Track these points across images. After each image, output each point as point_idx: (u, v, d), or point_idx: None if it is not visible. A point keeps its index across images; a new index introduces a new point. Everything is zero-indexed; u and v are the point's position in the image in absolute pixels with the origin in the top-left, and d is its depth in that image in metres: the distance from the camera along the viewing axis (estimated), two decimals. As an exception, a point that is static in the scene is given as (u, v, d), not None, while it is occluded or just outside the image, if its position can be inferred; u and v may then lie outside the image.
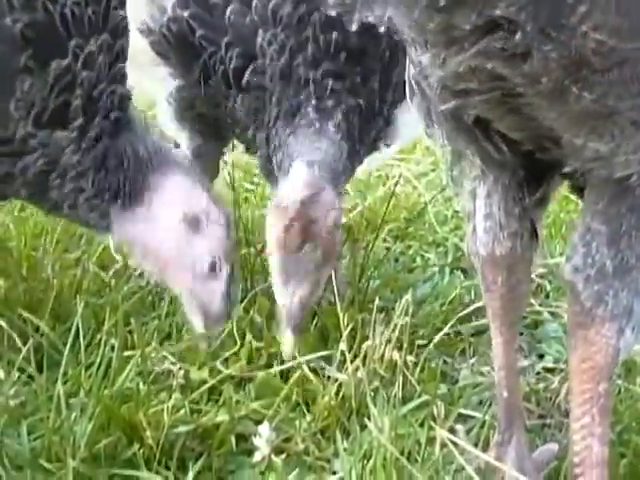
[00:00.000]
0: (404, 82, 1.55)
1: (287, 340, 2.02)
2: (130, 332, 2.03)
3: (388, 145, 2.32)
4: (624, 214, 1.40)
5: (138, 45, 2.19)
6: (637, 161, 1.33)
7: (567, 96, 1.23)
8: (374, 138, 2.22)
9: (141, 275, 2.41)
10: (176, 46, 2.19)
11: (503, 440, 1.67)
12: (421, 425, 1.78)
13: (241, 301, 2.27)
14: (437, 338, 2.11)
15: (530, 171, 1.56)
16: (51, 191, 1.95)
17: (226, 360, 2.00)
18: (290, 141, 2.08)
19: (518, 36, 1.15)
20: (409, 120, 2.10)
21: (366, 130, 2.17)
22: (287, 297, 2.03)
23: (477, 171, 1.56)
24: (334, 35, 2.07)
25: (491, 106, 1.33)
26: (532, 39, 1.15)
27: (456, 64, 1.22)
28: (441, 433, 1.67)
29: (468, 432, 1.80)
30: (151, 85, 2.35)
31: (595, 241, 1.41)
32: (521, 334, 2.35)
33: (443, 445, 1.68)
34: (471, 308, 2.28)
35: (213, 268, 2.04)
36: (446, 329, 2.15)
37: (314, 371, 1.97)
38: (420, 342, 2.12)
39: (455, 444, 1.66)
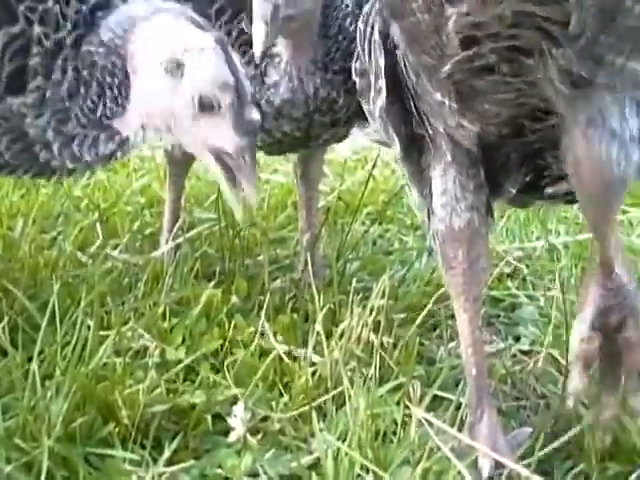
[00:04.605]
0: None
1: (257, 31, 1.88)
2: (107, 313, 2.02)
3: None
4: None
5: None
6: None
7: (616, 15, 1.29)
8: None
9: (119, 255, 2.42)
10: None
11: (475, 419, 1.69)
12: (397, 405, 1.78)
13: (218, 282, 2.27)
14: (415, 320, 2.12)
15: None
16: (50, 161, 1.83)
17: (202, 340, 2.00)
18: None
19: None
20: None
21: None
22: None
23: (431, 155, 1.60)
24: None
25: (501, 61, 1.37)
26: None
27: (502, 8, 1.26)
28: (416, 412, 1.67)
29: (443, 413, 1.80)
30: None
31: None
32: (498, 316, 2.37)
33: (419, 425, 1.68)
34: (448, 291, 2.29)
35: (207, 106, 1.77)
36: (424, 312, 2.15)
37: (290, 353, 1.98)
38: (397, 324, 2.13)
39: (430, 424, 1.66)
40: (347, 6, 2.15)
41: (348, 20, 2.14)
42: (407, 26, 1.43)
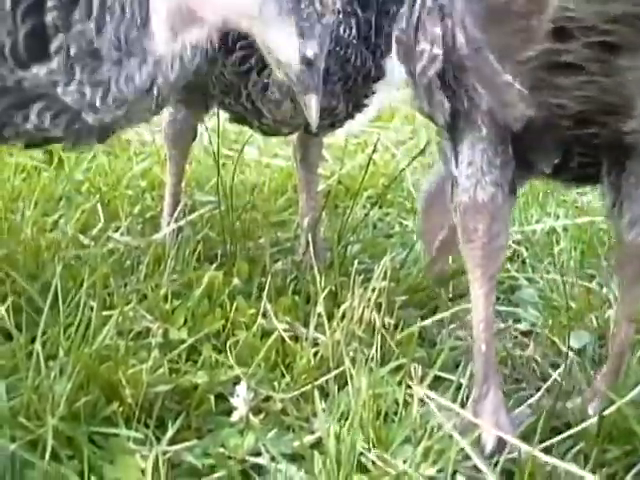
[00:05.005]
0: None
1: (313, 104, 1.78)
2: (109, 294, 2.03)
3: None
4: None
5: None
6: None
7: None
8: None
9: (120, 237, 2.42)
10: None
11: (480, 394, 1.69)
12: (399, 385, 1.79)
13: (220, 265, 2.28)
14: (416, 302, 2.13)
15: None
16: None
17: (204, 321, 2.01)
18: None
19: None
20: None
21: None
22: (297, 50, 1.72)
23: (462, 130, 1.60)
24: None
25: (589, 59, 1.37)
26: None
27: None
28: (418, 391, 1.68)
29: (444, 394, 1.82)
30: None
31: None
32: (498, 299, 2.37)
33: (420, 404, 1.70)
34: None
35: None
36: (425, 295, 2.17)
37: (293, 333, 1.98)
38: (398, 305, 2.13)
39: (433, 401, 1.67)
40: (338, 12, 2.14)
41: (341, 28, 2.14)
42: (491, 3, 1.41)
